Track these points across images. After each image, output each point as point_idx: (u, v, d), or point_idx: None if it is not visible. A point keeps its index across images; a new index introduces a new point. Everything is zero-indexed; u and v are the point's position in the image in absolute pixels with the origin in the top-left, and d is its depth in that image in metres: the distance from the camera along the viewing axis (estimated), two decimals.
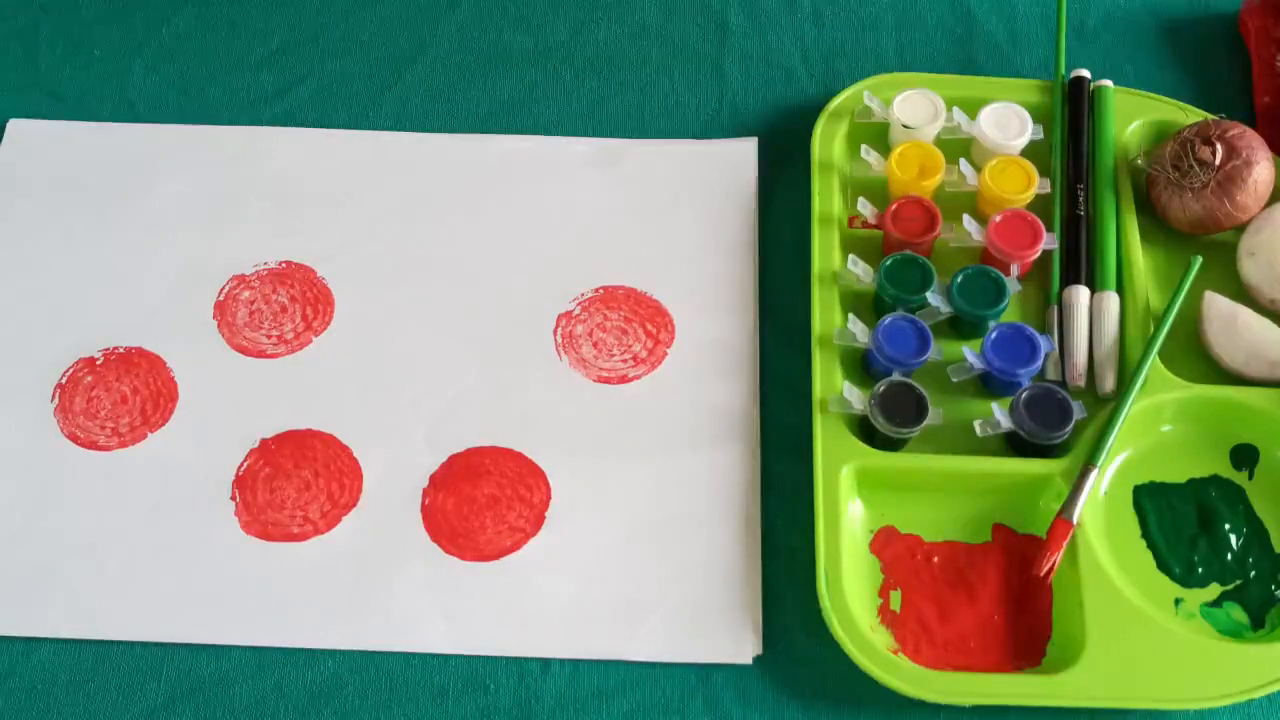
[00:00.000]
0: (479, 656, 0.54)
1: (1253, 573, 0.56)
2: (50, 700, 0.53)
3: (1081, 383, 0.58)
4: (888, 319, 0.58)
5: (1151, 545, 0.56)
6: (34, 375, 0.60)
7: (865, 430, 0.57)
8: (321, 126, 0.67)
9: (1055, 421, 0.56)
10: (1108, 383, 0.58)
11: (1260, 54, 0.67)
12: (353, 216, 0.64)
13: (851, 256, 0.61)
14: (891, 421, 0.56)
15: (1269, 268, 0.59)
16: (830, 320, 0.59)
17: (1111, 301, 0.60)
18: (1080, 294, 0.60)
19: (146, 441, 0.59)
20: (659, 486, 0.57)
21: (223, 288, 0.62)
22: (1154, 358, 0.58)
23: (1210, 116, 0.63)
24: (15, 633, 0.54)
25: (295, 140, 0.66)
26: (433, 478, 0.58)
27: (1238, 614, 0.55)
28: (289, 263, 0.63)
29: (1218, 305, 0.59)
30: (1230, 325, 0.58)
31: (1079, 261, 0.61)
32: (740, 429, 0.59)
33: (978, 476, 0.57)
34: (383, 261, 0.63)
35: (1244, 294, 0.60)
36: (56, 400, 0.59)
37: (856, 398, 0.57)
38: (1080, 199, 0.62)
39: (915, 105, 0.63)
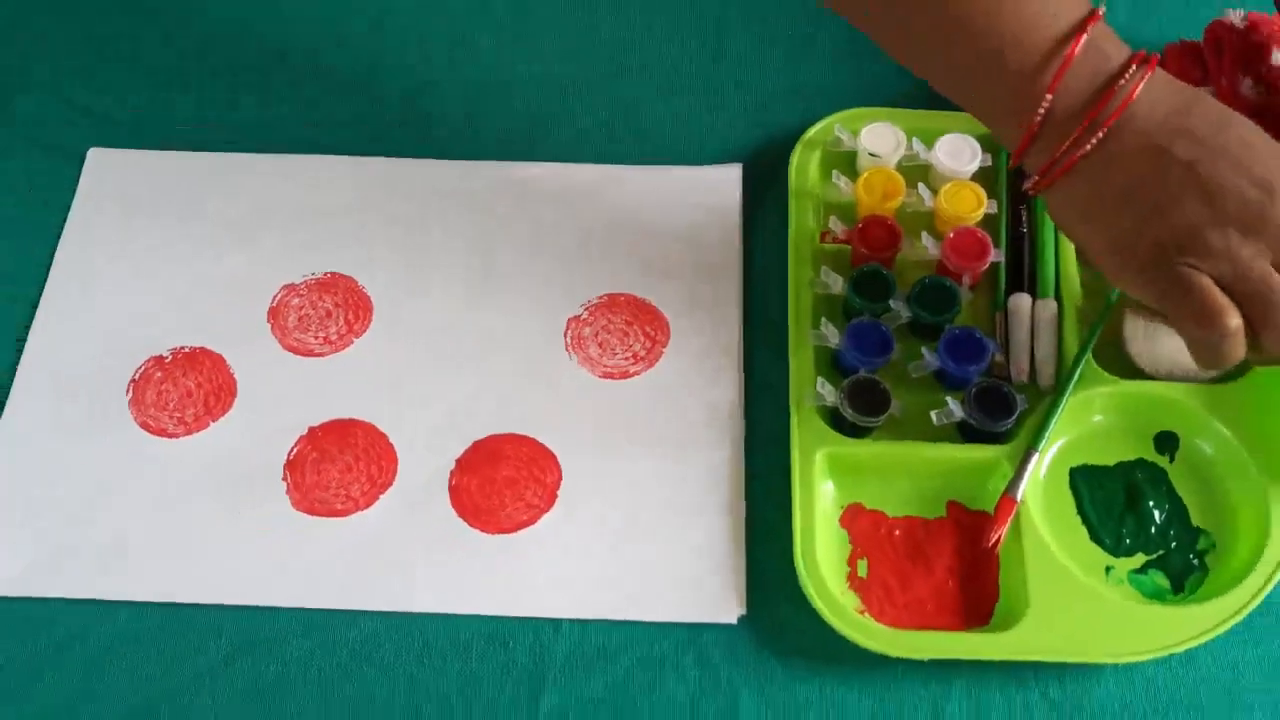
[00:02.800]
0: (499, 617, 0.54)
1: (1173, 544, 0.56)
2: (126, 656, 0.53)
3: (1024, 378, 0.58)
4: (855, 323, 0.58)
5: (1085, 520, 0.56)
6: (111, 372, 0.60)
7: (836, 420, 0.57)
8: (361, 154, 0.67)
9: (1001, 412, 0.56)
10: (1047, 378, 0.58)
11: None
12: (389, 232, 0.64)
13: (824, 268, 0.61)
14: (859, 412, 0.56)
15: None
16: (805, 323, 0.59)
17: (1050, 307, 0.60)
18: (1023, 301, 0.60)
19: (209, 430, 0.59)
20: (656, 467, 0.57)
21: (275, 295, 0.62)
22: (1088, 357, 0.58)
23: None
24: (96, 596, 0.55)
25: (339, 167, 0.66)
26: (458, 461, 0.58)
27: (1160, 580, 0.55)
28: (333, 274, 0.63)
29: (1137, 323, 0.59)
30: (1149, 332, 0.58)
31: (1022, 272, 0.61)
32: (727, 418, 0.59)
33: (934, 460, 0.57)
34: (415, 272, 0.63)
35: None
36: (131, 394, 0.60)
37: (828, 391, 0.57)
38: (1023, 218, 0.62)
39: (880, 136, 0.63)
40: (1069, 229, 0.51)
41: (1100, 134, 0.46)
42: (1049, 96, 0.47)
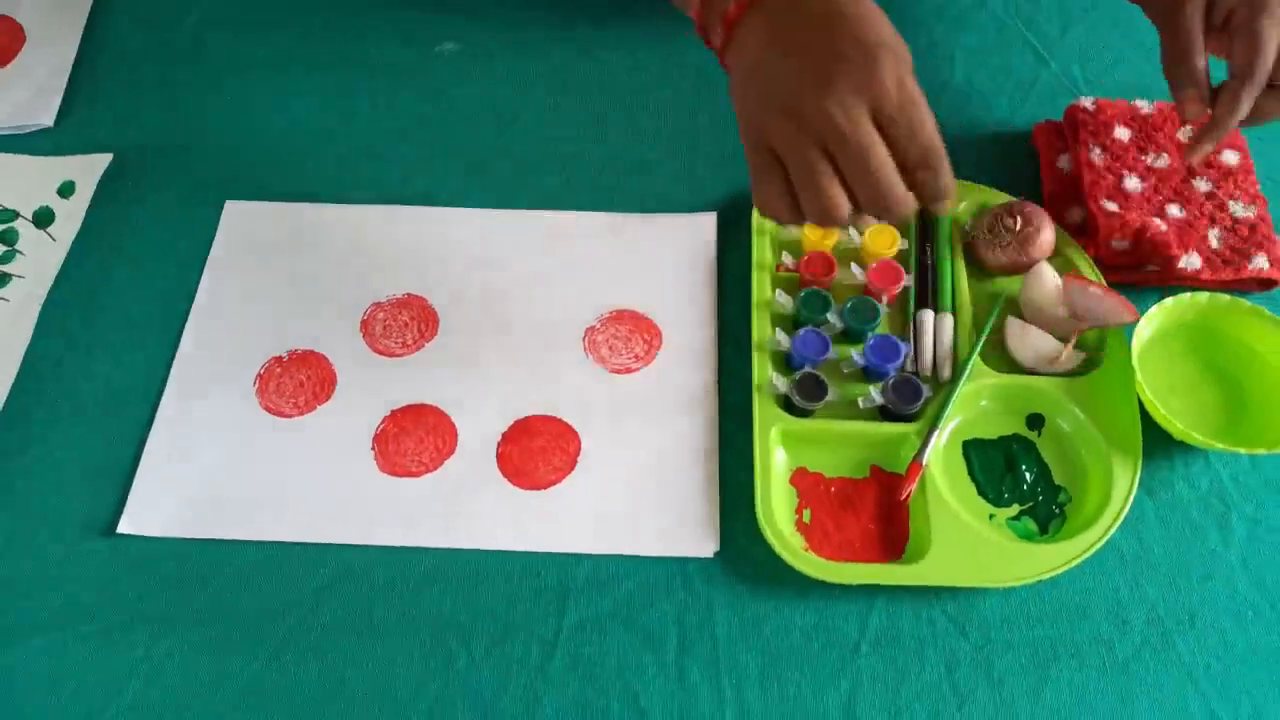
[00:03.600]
0: (533, 552, 0.54)
1: (1040, 498, 0.56)
2: (255, 578, 0.54)
3: (928, 373, 0.59)
4: (801, 331, 0.58)
5: (974, 479, 0.57)
6: (243, 368, 0.60)
7: (787, 404, 0.58)
8: (431, 205, 0.67)
9: (911, 398, 0.57)
10: (945, 373, 0.59)
11: (1046, 158, 0.68)
12: (451, 263, 0.64)
13: (778, 290, 0.61)
14: (804, 398, 0.56)
15: (1037, 310, 0.60)
16: (764, 331, 0.60)
17: (947, 319, 0.60)
18: (927, 315, 0.60)
19: (316, 412, 0.59)
20: (652, 439, 0.58)
21: (365, 310, 0.63)
22: (975, 357, 0.58)
23: (1013, 198, 0.64)
24: (232, 536, 0.55)
25: (414, 214, 0.66)
26: (504, 435, 0.58)
27: (1030, 525, 0.55)
28: (409, 294, 0.63)
29: (1014, 324, 0.59)
30: (1022, 338, 0.59)
31: (926, 293, 0.61)
32: (706, 403, 0.59)
33: (860, 434, 0.57)
34: (471, 293, 0.63)
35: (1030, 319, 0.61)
36: (257, 384, 0.60)
37: (780, 382, 0.57)
38: (927, 252, 0.63)
39: None
40: (736, 98, 0.46)
41: (726, 30, 0.45)
42: None
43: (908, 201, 0.43)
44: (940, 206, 0.45)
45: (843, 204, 0.43)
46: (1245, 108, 0.52)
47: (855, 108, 0.41)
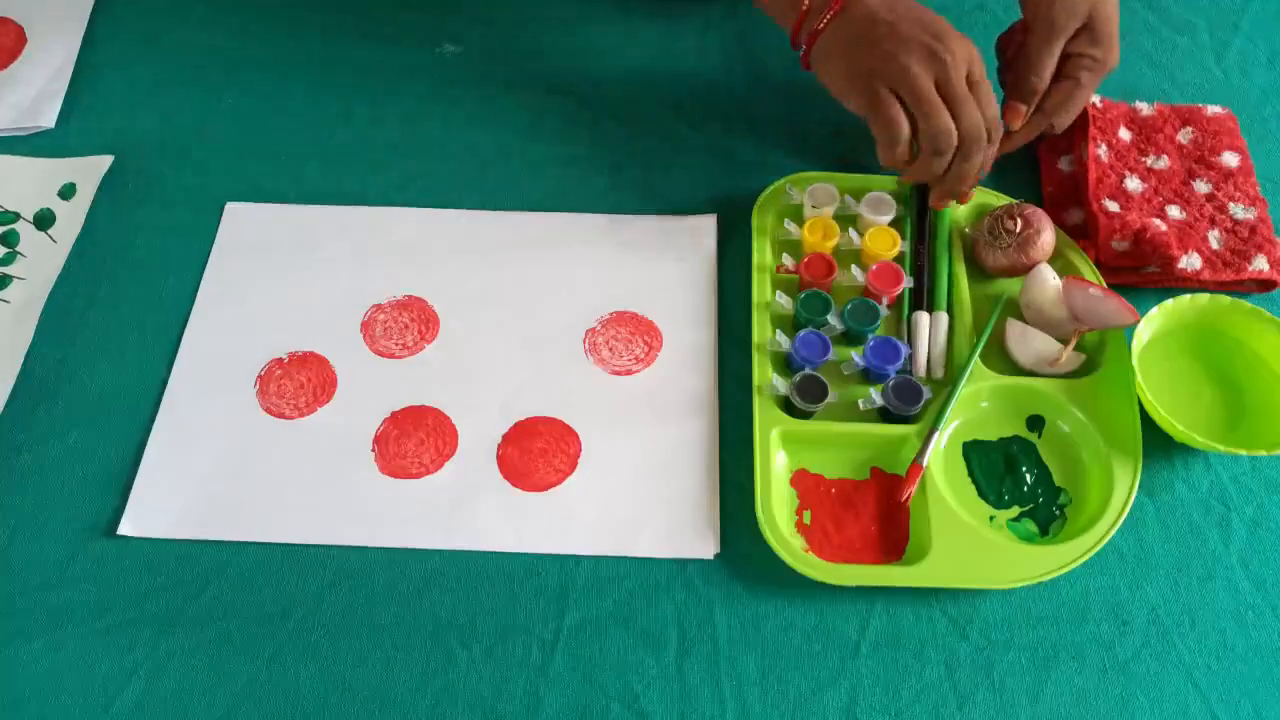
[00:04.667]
0: (534, 554, 0.55)
1: (1041, 499, 0.56)
2: (254, 581, 0.54)
3: (923, 373, 0.59)
4: (802, 333, 0.59)
5: (974, 481, 0.57)
6: (243, 370, 0.61)
7: (787, 406, 0.58)
8: (431, 207, 0.67)
9: (911, 400, 0.57)
10: (938, 372, 0.59)
11: (1046, 160, 0.68)
12: (452, 265, 0.64)
13: (778, 292, 0.61)
14: (804, 400, 0.57)
15: (1038, 312, 0.60)
16: (764, 332, 0.60)
17: (942, 318, 0.61)
18: (922, 316, 0.61)
19: (316, 413, 0.59)
20: (653, 441, 0.58)
21: (366, 312, 0.63)
22: (976, 359, 0.59)
23: (1013, 200, 0.64)
24: (232, 538, 0.55)
25: (414, 216, 0.67)
26: (504, 436, 0.58)
27: (1031, 526, 0.55)
28: (410, 296, 0.63)
29: (1015, 326, 0.60)
30: (1022, 340, 0.59)
31: (923, 295, 0.62)
32: (706, 405, 0.59)
33: (861, 436, 0.57)
34: (472, 295, 0.63)
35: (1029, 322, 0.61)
36: (257, 386, 0.60)
37: (781, 384, 0.58)
38: (923, 254, 0.63)
39: (820, 193, 0.64)
40: (822, 69, 0.61)
41: (835, 10, 0.59)
42: None
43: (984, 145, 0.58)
44: (966, 194, 0.61)
45: (953, 128, 0.57)
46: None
47: (961, 60, 0.57)
